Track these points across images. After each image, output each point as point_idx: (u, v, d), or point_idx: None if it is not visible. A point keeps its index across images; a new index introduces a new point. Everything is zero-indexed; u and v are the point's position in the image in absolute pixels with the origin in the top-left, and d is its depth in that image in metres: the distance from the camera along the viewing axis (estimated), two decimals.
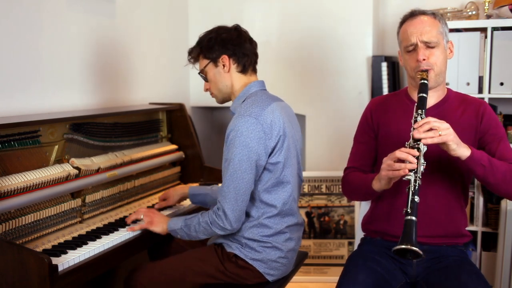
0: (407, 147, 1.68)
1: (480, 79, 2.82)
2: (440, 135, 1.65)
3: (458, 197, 1.90)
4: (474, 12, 2.92)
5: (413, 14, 1.91)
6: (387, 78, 3.10)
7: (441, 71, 1.88)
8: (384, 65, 3.10)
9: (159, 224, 1.99)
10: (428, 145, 1.67)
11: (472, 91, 2.82)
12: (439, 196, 1.86)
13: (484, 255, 2.86)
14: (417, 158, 1.64)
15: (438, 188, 1.85)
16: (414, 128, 1.69)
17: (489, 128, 1.87)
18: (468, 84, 2.83)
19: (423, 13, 1.90)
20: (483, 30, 2.80)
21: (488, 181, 1.75)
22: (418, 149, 1.65)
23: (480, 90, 2.82)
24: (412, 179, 1.63)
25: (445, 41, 1.89)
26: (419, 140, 1.65)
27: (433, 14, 1.89)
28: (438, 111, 1.88)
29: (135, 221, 2.06)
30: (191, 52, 2.04)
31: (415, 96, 1.86)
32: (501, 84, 2.79)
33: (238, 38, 1.96)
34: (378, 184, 1.79)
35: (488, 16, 2.85)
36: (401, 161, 1.66)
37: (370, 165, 2.02)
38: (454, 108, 1.91)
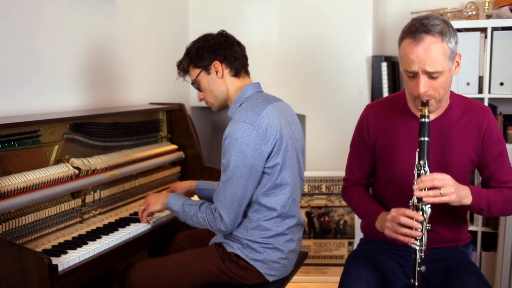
0: (411, 207, 1.64)
1: (480, 79, 2.82)
2: (442, 195, 1.60)
3: (457, 207, 1.87)
4: (474, 12, 2.92)
5: (416, 33, 1.63)
6: (387, 78, 3.10)
7: (444, 95, 1.72)
8: (384, 65, 3.10)
9: (157, 202, 2.05)
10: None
11: (472, 91, 2.82)
12: (438, 208, 1.83)
13: (484, 255, 2.86)
14: (422, 222, 1.61)
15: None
16: (416, 183, 1.62)
17: (490, 147, 1.79)
18: (468, 84, 2.83)
19: (428, 31, 1.62)
20: (483, 30, 2.80)
21: (484, 216, 1.77)
22: (423, 212, 1.61)
23: (480, 90, 2.82)
24: (418, 248, 1.61)
25: (451, 62, 1.67)
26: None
27: (441, 33, 1.62)
28: (439, 125, 1.80)
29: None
30: (180, 64, 2.03)
31: (414, 109, 1.80)
32: (501, 84, 2.79)
33: (226, 42, 1.97)
34: (380, 228, 1.77)
35: (488, 16, 2.85)
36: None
37: (369, 177, 1.99)
38: (456, 119, 1.80)
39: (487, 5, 2.84)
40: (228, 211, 1.83)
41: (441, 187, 1.60)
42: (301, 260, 2.20)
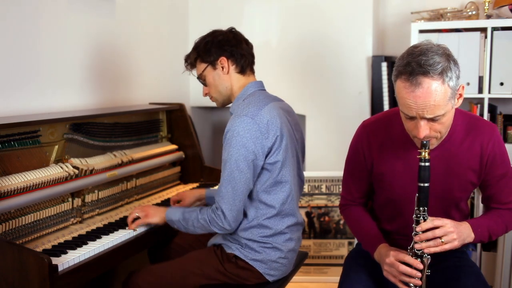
0: (409, 253, 1.59)
1: (480, 79, 2.82)
2: (443, 243, 1.56)
3: (458, 218, 1.82)
4: (474, 12, 2.92)
5: (412, 76, 1.48)
6: (387, 78, 3.10)
7: (446, 133, 1.63)
8: (384, 65, 3.10)
9: (156, 215, 2.01)
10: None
11: (472, 91, 2.82)
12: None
13: (484, 255, 2.86)
14: (422, 271, 1.57)
15: (439, 214, 1.74)
16: (415, 231, 1.57)
17: (493, 169, 1.71)
18: (468, 84, 2.83)
19: (426, 73, 1.46)
20: (483, 30, 2.80)
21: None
22: (422, 259, 1.57)
23: (480, 90, 2.82)
24: None
25: (453, 100, 1.54)
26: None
27: (441, 74, 1.47)
28: (442, 151, 1.70)
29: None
30: (187, 58, 2.05)
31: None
32: (501, 84, 2.79)
33: (234, 39, 1.98)
34: (377, 260, 1.73)
35: (488, 16, 2.85)
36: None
37: (366, 196, 1.92)
38: (459, 143, 1.70)
39: (487, 5, 2.84)
40: (231, 208, 1.83)
41: (442, 236, 1.56)
42: (301, 260, 2.20)
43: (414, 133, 1.59)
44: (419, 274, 1.57)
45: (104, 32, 2.65)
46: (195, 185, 2.73)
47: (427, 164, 1.55)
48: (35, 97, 2.22)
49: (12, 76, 2.10)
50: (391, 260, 1.62)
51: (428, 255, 1.58)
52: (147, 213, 2.02)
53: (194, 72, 2.07)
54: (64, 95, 2.37)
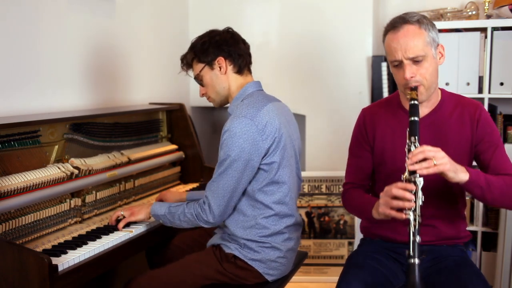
0: (403, 181, 1.61)
1: (480, 79, 2.82)
2: (435, 165, 1.58)
3: (456, 204, 1.88)
4: (474, 12, 2.92)
5: (395, 25, 1.77)
6: (387, 78, 3.10)
7: (432, 83, 1.77)
8: (384, 65, 3.10)
9: (141, 211, 2.02)
10: (425, 176, 1.60)
11: (472, 91, 2.82)
12: (437, 205, 1.83)
13: (484, 255, 2.86)
14: (415, 193, 1.58)
15: (436, 198, 1.82)
16: (408, 158, 1.61)
17: (484, 136, 1.80)
18: (468, 84, 2.83)
19: (406, 21, 1.75)
20: (483, 30, 2.80)
21: (485, 200, 1.73)
22: (415, 183, 1.59)
23: (480, 90, 2.82)
24: (412, 218, 1.58)
25: (433, 49, 1.76)
26: (415, 171, 1.58)
27: (418, 22, 1.75)
28: (433, 120, 1.83)
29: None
30: (184, 58, 2.04)
31: (407, 104, 1.78)
32: (501, 84, 2.79)
33: (232, 39, 1.98)
34: (377, 215, 1.74)
35: (488, 16, 2.85)
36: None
37: (369, 179, 1.98)
38: (448, 114, 1.84)
39: (487, 5, 2.84)
40: (219, 203, 1.84)
41: (433, 157, 1.58)
42: (300, 260, 2.20)
43: (403, 81, 1.75)
44: (412, 196, 1.58)
45: (104, 32, 2.65)
46: (195, 185, 2.72)
47: (416, 102, 1.70)
48: (35, 97, 2.22)
49: (12, 76, 2.10)
50: (385, 189, 1.65)
51: (421, 179, 1.59)
52: (132, 211, 2.03)
53: (190, 73, 2.06)
54: (64, 95, 2.38)
